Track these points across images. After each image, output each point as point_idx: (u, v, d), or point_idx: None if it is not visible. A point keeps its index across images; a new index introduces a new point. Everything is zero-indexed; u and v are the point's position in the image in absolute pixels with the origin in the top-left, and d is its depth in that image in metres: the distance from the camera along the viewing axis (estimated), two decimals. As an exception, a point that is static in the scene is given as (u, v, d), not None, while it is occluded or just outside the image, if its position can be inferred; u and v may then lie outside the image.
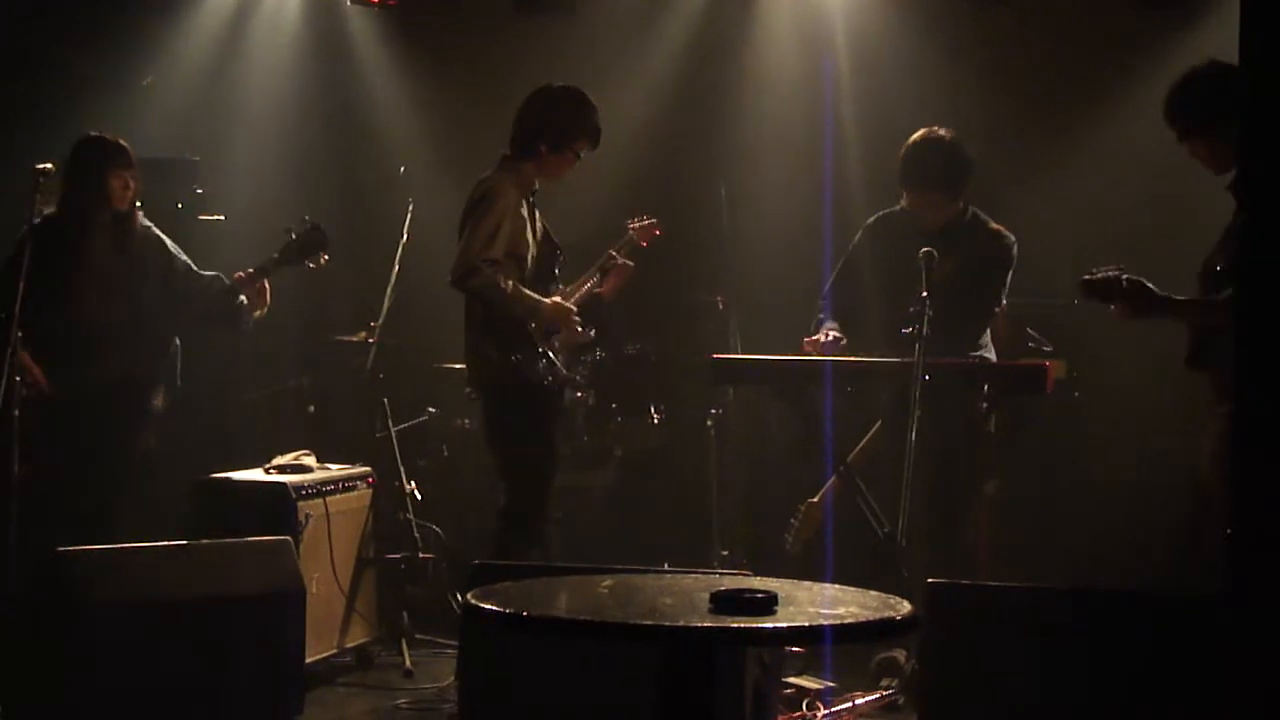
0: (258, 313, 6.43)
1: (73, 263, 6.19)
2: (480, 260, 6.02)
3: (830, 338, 6.30)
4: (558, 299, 6.29)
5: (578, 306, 6.39)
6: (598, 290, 6.60)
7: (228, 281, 6.38)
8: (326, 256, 6.37)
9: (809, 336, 6.37)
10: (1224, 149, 5.22)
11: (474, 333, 6.21)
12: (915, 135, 6.39)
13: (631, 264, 6.67)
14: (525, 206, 6.23)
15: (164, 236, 6.47)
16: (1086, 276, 5.34)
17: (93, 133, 6.36)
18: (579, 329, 6.35)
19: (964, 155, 6.38)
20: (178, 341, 6.51)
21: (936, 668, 4.68)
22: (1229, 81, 5.13)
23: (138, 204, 6.41)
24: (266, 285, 6.38)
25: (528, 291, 6.15)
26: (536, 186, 6.32)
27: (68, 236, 6.20)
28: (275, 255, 6.35)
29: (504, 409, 6.22)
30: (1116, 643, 4.38)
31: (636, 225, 7.01)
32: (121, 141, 6.34)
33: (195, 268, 6.47)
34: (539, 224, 6.33)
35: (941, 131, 6.36)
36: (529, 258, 6.21)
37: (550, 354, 6.22)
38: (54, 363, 6.10)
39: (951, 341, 6.01)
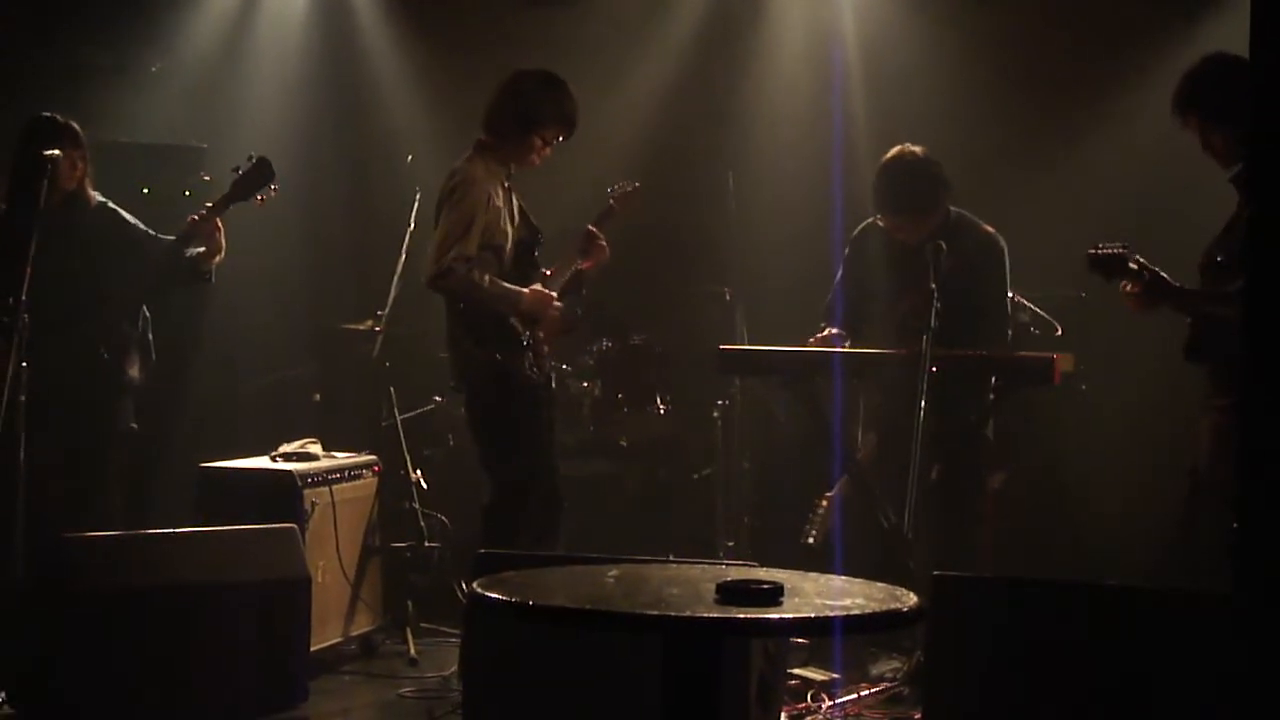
0: (216, 259, 6.30)
1: (24, 244, 6.05)
2: (453, 260, 5.92)
3: (832, 333, 6.30)
4: (537, 287, 6.17)
5: (562, 287, 6.31)
6: (580, 266, 6.43)
7: (185, 232, 6.26)
8: (275, 188, 6.25)
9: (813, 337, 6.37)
10: (1234, 143, 5.23)
11: (454, 327, 6.13)
12: (886, 156, 6.34)
13: (605, 247, 6.44)
14: (501, 193, 6.13)
15: (119, 209, 6.37)
16: (1091, 251, 5.35)
17: (44, 113, 6.26)
18: (561, 315, 6.24)
19: (936, 173, 6.29)
20: (147, 313, 6.45)
21: (941, 660, 4.67)
22: (1241, 72, 5.17)
23: (88, 184, 6.32)
24: (220, 227, 6.24)
25: (506, 284, 6.05)
26: (512, 171, 6.22)
27: (17, 219, 6.13)
28: (224, 193, 6.23)
29: (486, 404, 6.13)
30: (1121, 637, 4.37)
31: (617, 192, 6.75)
32: (71, 122, 6.25)
33: (153, 233, 6.37)
34: (516, 209, 6.21)
35: (914, 149, 6.30)
36: (507, 246, 6.11)
37: (534, 345, 6.12)
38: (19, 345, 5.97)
39: (957, 342, 5.96)
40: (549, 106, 6.12)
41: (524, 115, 6.10)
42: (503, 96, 6.16)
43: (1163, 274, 5.30)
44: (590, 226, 6.50)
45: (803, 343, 6.37)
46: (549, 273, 6.32)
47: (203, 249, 6.25)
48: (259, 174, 6.24)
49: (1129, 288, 5.38)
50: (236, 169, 6.24)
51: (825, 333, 6.34)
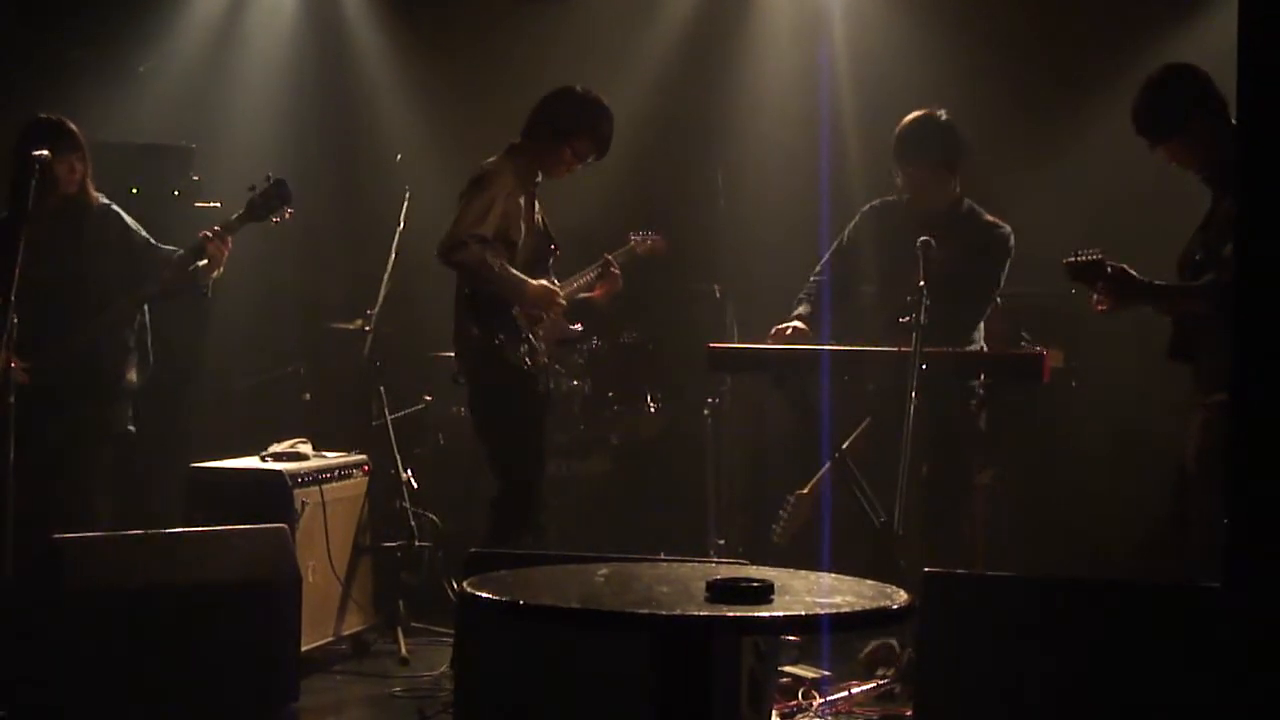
0: (215, 273, 6.27)
1: (24, 249, 6.00)
2: (468, 235, 5.98)
3: (790, 332, 6.31)
4: (544, 281, 6.25)
5: (568, 304, 6.39)
6: (588, 294, 6.56)
7: (195, 246, 6.23)
8: (291, 211, 6.22)
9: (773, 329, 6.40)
10: (1199, 148, 5.34)
11: (460, 312, 6.20)
12: (912, 113, 6.41)
13: (620, 277, 6.60)
14: (524, 196, 6.21)
15: (122, 213, 6.36)
16: (1069, 259, 5.41)
17: (41, 115, 6.22)
18: (565, 318, 6.33)
19: (960, 135, 6.41)
20: (146, 318, 6.45)
21: (932, 657, 4.68)
22: (1189, 82, 5.33)
23: (90, 185, 6.27)
24: (228, 245, 6.20)
25: (515, 271, 6.13)
26: (539, 178, 6.30)
27: (17, 223, 6.12)
28: (239, 212, 6.20)
29: (489, 394, 6.20)
30: (1112, 632, 4.38)
31: (639, 238, 6.99)
32: (68, 124, 6.21)
33: (154, 242, 6.35)
34: (537, 216, 6.31)
35: (940, 112, 6.39)
36: (520, 245, 6.18)
37: (533, 340, 6.19)
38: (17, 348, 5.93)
39: (946, 331, 6.00)
40: (588, 122, 6.24)
41: (563, 124, 6.21)
42: (545, 104, 6.28)
43: (1131, 271, 5.34)
44: (608, 255, 6.66)
45: (770, 332, 6.39)
46: (559, 284, 6.40)
47: (204, 263, 6.21)
48: (275, 195, 6.19)
49: (1099, 291, 5.42)
50: (253, 187, 6.20)
51: (787, 326, 6.34)
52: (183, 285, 6.29)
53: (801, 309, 6.47)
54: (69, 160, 6.16)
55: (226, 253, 6.21)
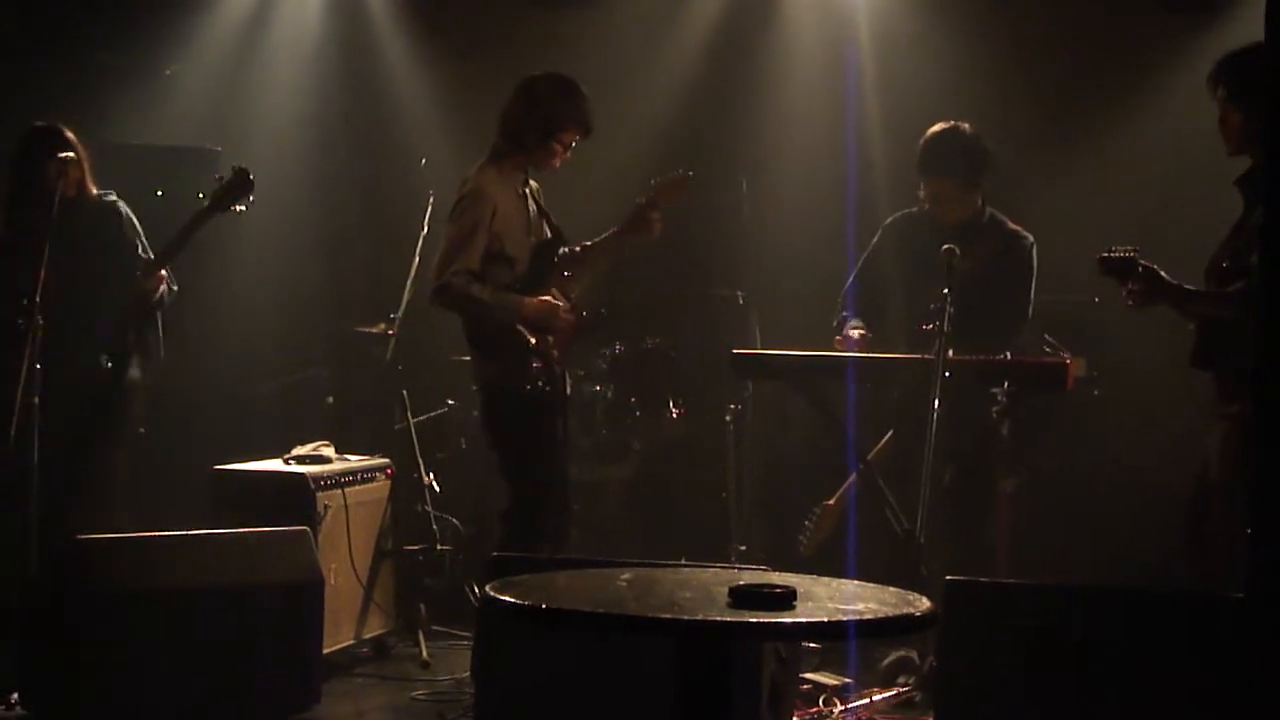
0: (161, 294, 6.33)
1: (21, 256, 6.05)
2: (450, 276, 5.92)
3: (856, 335, 6.32)
4: (545, 297, 6.08)
5: (593, 262, 6.24)
6: (616, 234, 6.20)
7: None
8: (253, 198, 6.21)
9: (837, 336, 6.40)
10: (1250, 128, 5.27)
11: (466, 335, 6.16)
12: (936, 126, 6.44)
13: (656, 222, 6.16)
14: (515, 199, 6.12)
15: (124, 213, 6.41)
16: (1104, 254, 5.40)
17: (38, 123, 6.28)
18: (574, 321, 6.15)
19: (982, 147, 6.44)
20: (157, 316, 6.46)
21: (954, 665, 4.67)
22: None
23: (89, 186, 6.32)
24: (157, 277, 6.28)
25: (508, 294, 6.01)
26: (527, 177, 6.19)
27: (16, 227, 6.13)
28: (204, 205, 6.20)
29: (494, 411, 6.15)
30: (1135, 641, 4.37)
31: (661, 180, 6.30)
32: (64, 131, 6.24)
33: (142, 251, 6.39)
34: (536, 213, 6.20)
35: (963, 124, 6.42)
36: (519, 255, 6.08)
37: (544, 353, 6.03)
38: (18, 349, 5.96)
39: (976, 342, 6.00)
40: (566, 111, 6.08)
41: (543, 122, 6.06)
42: (519, 103, 6.12)
43: (1162, 273, 5.34)
44: (640, 200, 6.21)
45: (820, 338, 6.39)
46: (568, 275, 6.26)
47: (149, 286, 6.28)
48: (237, 183, 6.19)
49: (1131, 287, 5.41)
50: (219, 177, 6.21)
51: (852, 333, 6.35)
52: (133, 312, 6.32)
53: (855, 324, 6.45)
54: (61, 165, 6.18)
55: (158, 283, 6.28)
